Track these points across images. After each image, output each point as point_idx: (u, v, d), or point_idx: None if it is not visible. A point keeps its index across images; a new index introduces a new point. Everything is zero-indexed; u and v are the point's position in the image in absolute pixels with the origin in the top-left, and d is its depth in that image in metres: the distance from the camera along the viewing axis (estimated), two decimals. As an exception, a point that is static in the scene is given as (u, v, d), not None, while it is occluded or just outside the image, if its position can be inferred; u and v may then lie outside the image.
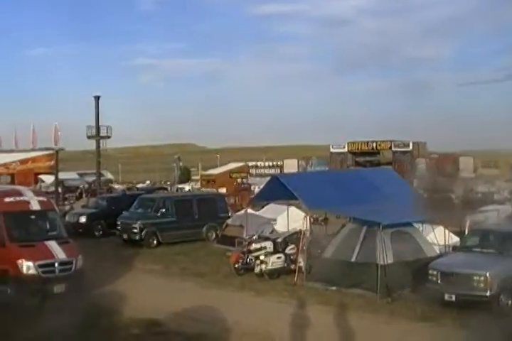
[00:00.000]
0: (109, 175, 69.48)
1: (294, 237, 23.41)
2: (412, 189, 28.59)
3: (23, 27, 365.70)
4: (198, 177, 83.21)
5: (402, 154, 78.65)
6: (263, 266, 21.57)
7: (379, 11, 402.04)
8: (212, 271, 22.85)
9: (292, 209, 26.98)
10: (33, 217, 20.66)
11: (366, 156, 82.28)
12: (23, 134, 77.08)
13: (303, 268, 21.00)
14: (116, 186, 66.78)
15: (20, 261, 18.52)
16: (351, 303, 17.44)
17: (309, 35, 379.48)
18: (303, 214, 24.00)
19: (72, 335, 14.58)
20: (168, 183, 76.27)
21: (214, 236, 30.53)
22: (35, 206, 20.40)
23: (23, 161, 64.24)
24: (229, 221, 29.48)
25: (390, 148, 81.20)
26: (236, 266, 22.14)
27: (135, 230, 29.73)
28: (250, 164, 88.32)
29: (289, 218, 26.47)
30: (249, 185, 58.81)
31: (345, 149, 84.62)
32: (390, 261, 18.67)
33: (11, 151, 74.41)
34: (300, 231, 22.82)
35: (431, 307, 16.69)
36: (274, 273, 21.54)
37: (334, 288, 19.18)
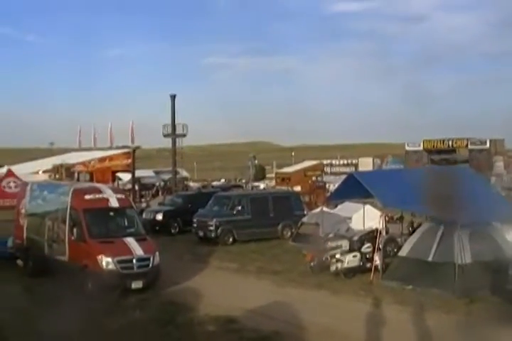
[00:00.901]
0: (185, 173, 69.92)
1: (369, 236, 23.24)
2: (491, 187, 28.04)
3: (102, 29, 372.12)
4: (272, 175, 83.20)
5: (478, 152, 76.98)
6: (339, 265, 21.46)
7: (454, 6, 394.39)
8: (288, 269, 22.77)
9: (367, 207, 26.76)
10: (112, 214, 21.12)
11: (442, 154, 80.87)
12: (102, 133, 78.57)
13: (379, 267, 20.85)
14: (191, 184, 67.24)
15: (99, 256, 18.93)
16: (427, 303, 17.14)
17: (383, 32, 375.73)
18: (378, 212, 23.79)
19: (150, 331, 14.80)
20: (243, 181, 76.47)
21: (289, 234, 30.44)
22: (114, 203, 20.82)
23: (101, 159, 65.17)
24: (304, 219, 29.38)
25: (467, 145, 79.60)
26: (312, 264, 22.04)
27: (211, 228, 29.92)
28: (325, 162, 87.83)
29: (365, 216, 26.28)
30: (324, 183, 58.46)
31: (421, 147, 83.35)
32: (468, 260, 18.34)
33: (90, 149, 75.80)
34: (376, 229, 22.65)
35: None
36: (350, 272, 21.39)
37: (410, 287, 18.92)
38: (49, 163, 67.53)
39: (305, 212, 31.75)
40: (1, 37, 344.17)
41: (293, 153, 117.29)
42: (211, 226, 29.92)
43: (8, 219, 24.52)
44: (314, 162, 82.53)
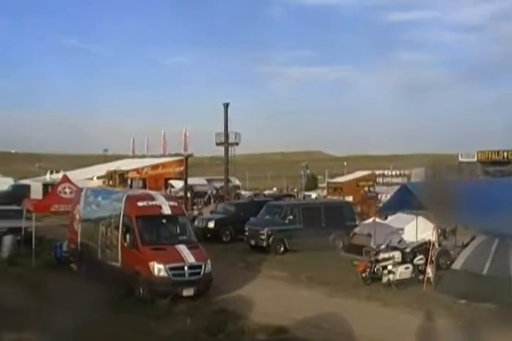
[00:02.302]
0: (237, 182, 70.04)
1: (422, 248, 22.99)
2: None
3: (159, 37, 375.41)
4: (324, 185, 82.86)
5: (535, 164, 75.63)
6: (391, 276, 21.29)
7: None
8: (339, 279, 22.59)
9: (420, 218, 26.48)
10: (164, 221, 21.26)
11: (497, 166, 79.66)
12: (155, 141, 79.24)
13: (431, 280, 20.62)
14: (243, 192, 67.35)
15: (151, 263, 19.03)
16: (481, 318, 16.89)
17: (439, 42, 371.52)
18: (431, 224, 23.54)
19: (200, 339, 14.85)
20: (295, 190, 76.30)
21: (341, 244, 30.22)
22: (166, 210, 20.93)
23: (154, 166, 65.84)
24: (356, 229, 29.21)
25: (523, 157, 78.31)
26: (363, 275, 21.89)
27: (262, 236, 29.91)
28: (377, 172, 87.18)
29: (417, 228, 26.00)
30: (376, 193, 58.04)
31: (475, 159, 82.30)
32: (525, 275, 18.01)
33: (143, 157, 76.57)
34: (429, 241, 22.42)
35: None
36: (402, 284, 21.20)
37: (463, 301, 18.64)
38: (103, 169, 68.62)
39: (357, 223, 31.56)
40: (61, 45, 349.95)
41: (345, 163, 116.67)
42: (263, 235, 29.91)
43: (63, 223, 24.88)
44: (366, 172, 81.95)
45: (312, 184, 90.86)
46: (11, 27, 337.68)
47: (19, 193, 49.77)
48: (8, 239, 27.60)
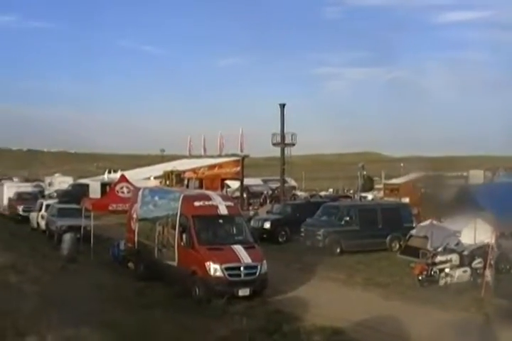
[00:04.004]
0: (293, 182, 70.01)
1: (481, 251, 22.63)
2: None
3: (214, 39, 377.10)
4: (381, 186, 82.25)
5: None
6: (448, 279, 21.04)
7: None
8: (395, 282, 22.42)
9: (479, 221, 26.07)
10: (220, 221, 21.31)
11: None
12: (211, 141, 79.62)
13: (490, 284, 20.30)
14: (299, 193, 67.25)
15: (208, 263, 19.11)
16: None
17: (494, 41, 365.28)
18: (490, 227, 23.17)
19: (256, 339, 14.83)
20: (351, 192, 75.94)
21: (397, 246, 30.00)
22: (222, 210, 21.00)
23: (210, 167, 66.13)
24: (413, 231, 28.88)
25: None
26: (420, 278, 21.63)
27: (318, 237, 29.84)
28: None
29: (476, 230, 25.60)
30: (434, 195, 57.28)
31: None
32: None
33: (200, 157, 77.01)
34: (487, 244, 22.07)
35: None
36: (460, 287, 20.91)
37: (524, 306, 18.32)
38: (160, 169, 69.17)
39: (414, 225, 31.23)
40: (117, 47, 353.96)
41: (402, 164, 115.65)
42: (319, 235, 29.85)
43: (121, 222, 25.16)
44: (423, 173, 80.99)
45: (368, 185, 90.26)
46: (72, 31, 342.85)
47: (78, 192, 50.60)
48: (67, 237, 28.03)
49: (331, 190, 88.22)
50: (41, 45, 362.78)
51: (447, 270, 21.24)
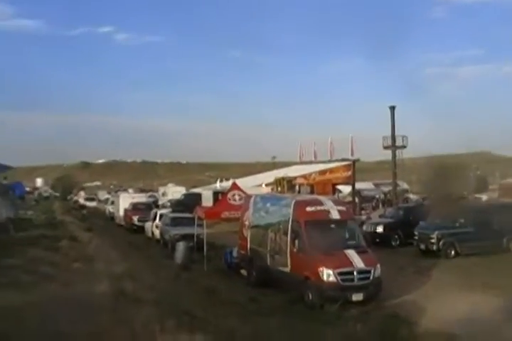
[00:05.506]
0: (405, 185, 68.95)
1: None
2: None
3: (318, 46, 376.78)
4: (495, 187, 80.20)
5: None
6: None
7: None
8: (515, 285, 21.74)
9: None
10: (332, 226, 21.25)
11: None
12: (321, 146, 79.45)
13: None
14: (411, 196, 66.29)
15: (321, 268, 19.10)
16: None
17: None
18: None
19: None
20: (465, 193, 74.28)
21: (515, 248, 29.17)
22: (334, 215, 20.95)
23: (321, 172, 65.79)
24: (531, 232, 28.05)
25: None
26: (541, 280, 20.97)
27: (432, 240, 29.30)
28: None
29: None
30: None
31: None
32: None
33: (310, 163, 76.99)
34: None
35: None
36: None
37: None
38: (271, 176, 69.47)
39: (533, 226, 30.24)
40: (230, 58, 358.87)
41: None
42: (433, 238, 29.30)
43: (233, 230, 25.40)
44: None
45: (482, 186, 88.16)
46: (181, 44, 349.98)
47: (191, 201, 51.43)
48: (181, 246, 28.56)
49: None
50: (153, 59, 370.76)
51: None
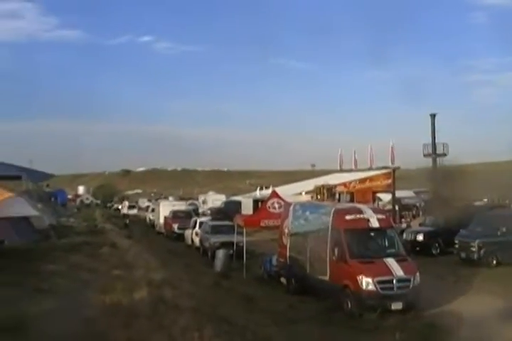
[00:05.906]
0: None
1: None
2: None
3: (358, 52, 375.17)
4: (536, 195, 79.01)
5: None
6: None
7: None
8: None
9: None
10: (372, 234, 21.22)
11: None
12: (361, 154, 79.23)
13: None
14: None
15: (360, 276, 19.06)
16: None
17: None
18: None
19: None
20: (507, 201, 73.39)
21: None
22: (374, 223, 20.91)
23: (361, 180, 65.62)
24: None
25: None
26: None
27: (473, 249, 29.00)
28: None
29: None
30: None
31: None
32: None
33: (350, 171, 76.80)
34: None
35: None
36: None
37: None
38: (311, 184, 69.44)
39: None
40: (270, 65, 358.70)
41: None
42: (473, 247, 29.01)
43: (272, 238, 25.45)
44: None
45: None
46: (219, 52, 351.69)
47: (231, 209, 51.71)
48: (221, 253, 28.71)
49: (485, 199, 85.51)
50: (193, 68, 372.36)
51: None
